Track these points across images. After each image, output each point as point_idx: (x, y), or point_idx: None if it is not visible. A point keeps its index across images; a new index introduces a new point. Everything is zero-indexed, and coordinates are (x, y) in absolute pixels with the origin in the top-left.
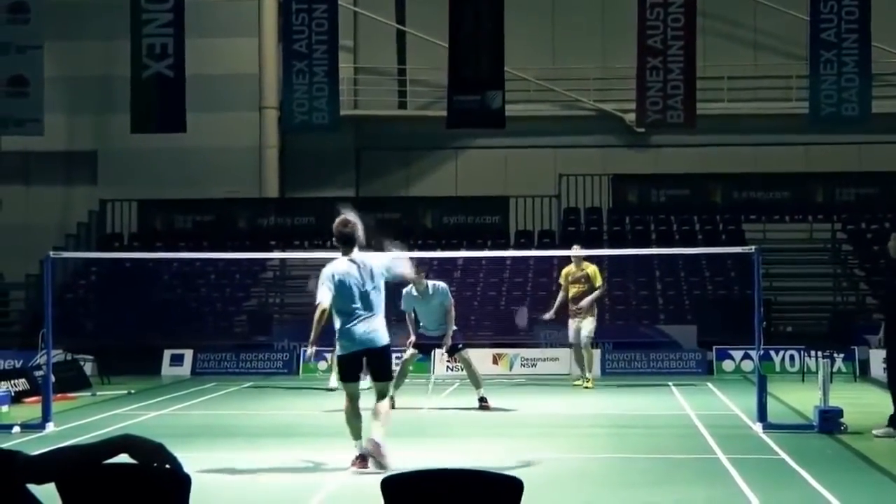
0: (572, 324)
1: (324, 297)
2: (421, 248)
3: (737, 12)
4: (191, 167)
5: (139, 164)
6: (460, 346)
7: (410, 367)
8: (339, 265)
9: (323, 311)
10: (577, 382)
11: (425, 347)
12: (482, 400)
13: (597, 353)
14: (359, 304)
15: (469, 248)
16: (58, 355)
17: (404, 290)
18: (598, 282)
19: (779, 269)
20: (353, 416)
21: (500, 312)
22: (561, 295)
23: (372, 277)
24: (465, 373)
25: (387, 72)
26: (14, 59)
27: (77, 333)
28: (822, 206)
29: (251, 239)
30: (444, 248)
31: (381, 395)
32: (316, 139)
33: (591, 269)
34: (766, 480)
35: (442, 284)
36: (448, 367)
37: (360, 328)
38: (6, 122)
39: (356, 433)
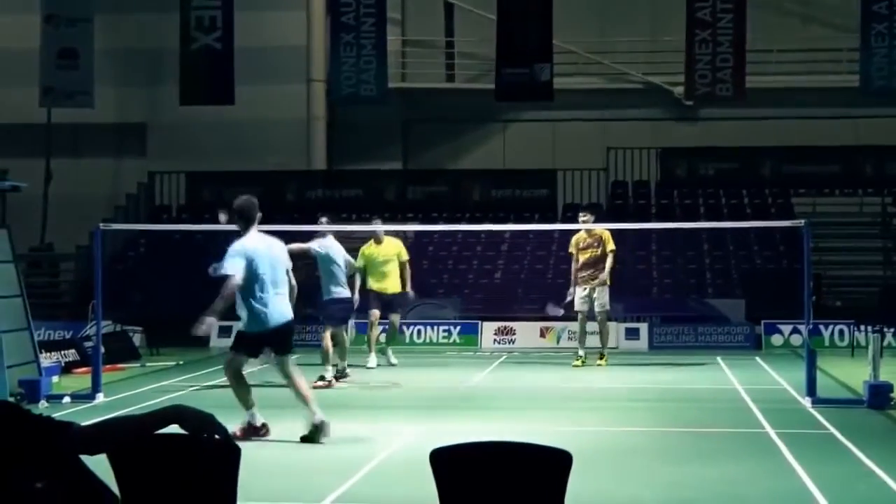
0: (580, 291)
1: (237, 270)
2: (468, 222)
3: None
4: (239, 139)
5: (188, 137)
6: None
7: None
8: (255, 241)
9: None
10: (576, 363)
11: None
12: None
13: (613, 325)
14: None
15: (516, 221)
16: (107, 326)
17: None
18: (611, 245)
19: (828, 242)
20: (246, 387)
21: (547, 286)
22: (573, 267)
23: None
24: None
25: (435, 44)
26: (64, 31)
27: (126, 305)
28: (872, 179)
29: (299, 211)
30: (491, 222)
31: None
32: (363, 112)
33: (605, 233)
34: (815, 455)
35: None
36: (495, 339)
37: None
38: (56, 95)
39: (249, 402)
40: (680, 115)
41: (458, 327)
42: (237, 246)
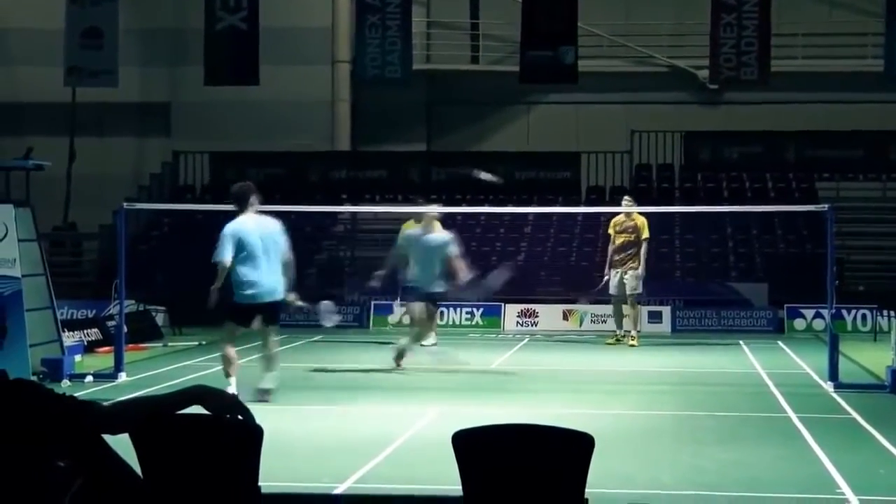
0: (615, 274)
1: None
2: (492, 204)
3: None
4: (263, 120)
5: (212, 117)
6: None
7: None
8: (244, 221)
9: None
10: (609, 340)
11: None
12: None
13: (644, 309)
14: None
15: (540, 203)
16: (130, 306)
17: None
18: (646, 233)
19: (852, 227)
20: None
21: (570, 268)
22: (610, 248)
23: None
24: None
25: (459, 26)
26: (89, 10)
27: (149, 284)
28: None
29: (323, 192)
30: (515, 204)
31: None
32: (388, 93)
33: (641, 220)
34: (837, 440)
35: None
36: (518, 322)
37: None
38: (81, 74)
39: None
40: (704, 99)
41: (481, 309)
42: (227, 228)
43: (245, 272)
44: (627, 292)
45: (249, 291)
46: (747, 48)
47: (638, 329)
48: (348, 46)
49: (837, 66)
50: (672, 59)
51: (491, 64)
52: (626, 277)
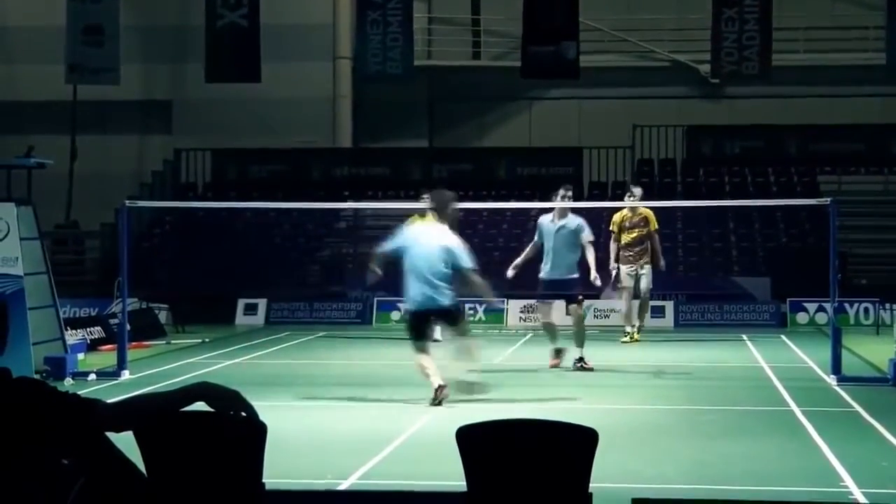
0: (629, 269)
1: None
2: (494, 199)
3: None
4: (265, 117)
5: (214, 114)
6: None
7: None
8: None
9: None
10: (624, 339)
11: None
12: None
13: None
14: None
15: (542, 198)
16: (133, 303)
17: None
18: (655, 224)
19: (854, 221)
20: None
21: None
22: (613, 246)
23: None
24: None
25: (461, 22)
26: (90, 8)
27: (152, 282)
28: None
29: (325, 189)
30: (517, 199)
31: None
32: (389, 89)
33: (647, 212)
34: (840, 433)
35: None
36: (521, 317)
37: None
38: (82, 72)
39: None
40: (706, 93)
41: (484, 305)
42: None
43: (408, 280)
44: (643, 287)
45: (409, 299)
46: (749, 42)
47: (642, 322)
48: (349, 43)
49: (839, 59)
50: (674, 53)
51: (492, 59)
52: (641, 273)
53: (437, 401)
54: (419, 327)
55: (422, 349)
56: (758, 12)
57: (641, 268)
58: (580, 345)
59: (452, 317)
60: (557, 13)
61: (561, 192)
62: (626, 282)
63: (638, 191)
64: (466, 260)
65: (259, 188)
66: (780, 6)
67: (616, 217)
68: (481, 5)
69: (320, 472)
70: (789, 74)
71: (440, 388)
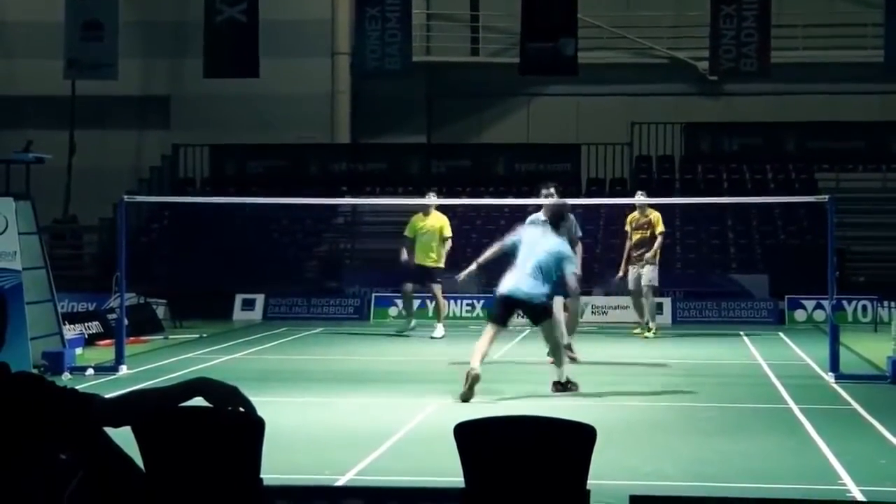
0: (633, 271)
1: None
2: (492, 196)
3: None
4: (263, 112)
5: (212, 109)
6: None
7: None
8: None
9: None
10: (636, 331)
11: None
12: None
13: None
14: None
15: (540, 195)
16: (131, 298)
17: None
18: (660, 228)
19: (852, 218)
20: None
21: None
22: (627, 244)
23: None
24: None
25: (459, 18)
26: (89, 3)
27: (150, 277)
28: None
29: (323, 184)
30: (515, 196)
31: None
32: (388, 85)
33: (655, 215)
34: (838, 430)
35: None
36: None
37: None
38: (81, 67)
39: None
40: (704, 91)
41: (482, 301)
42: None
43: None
44: (643, 283)
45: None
46: (747, 39)
47: (654, 320)
48: (348, 38)
49: (837, 56)
50: (672, 50)
51: (491, 56)
52: (642, 271)
53: (466, 384)
54: (499, 310)
55: (489, 330)
56: (756, 9)
57: (642, 267)
58: (570, 333)
59: (536, 313)
60: (556, 10)
61: (543, 191)
62: (632, 284)
63: (641, 197)
64: (572, 267)
65: (257, 184)
66: (779, 3)
67: (628, 218)
68: (480, 1)
69: (318, 467)
70: (788, 72)
71: (470, 372)
